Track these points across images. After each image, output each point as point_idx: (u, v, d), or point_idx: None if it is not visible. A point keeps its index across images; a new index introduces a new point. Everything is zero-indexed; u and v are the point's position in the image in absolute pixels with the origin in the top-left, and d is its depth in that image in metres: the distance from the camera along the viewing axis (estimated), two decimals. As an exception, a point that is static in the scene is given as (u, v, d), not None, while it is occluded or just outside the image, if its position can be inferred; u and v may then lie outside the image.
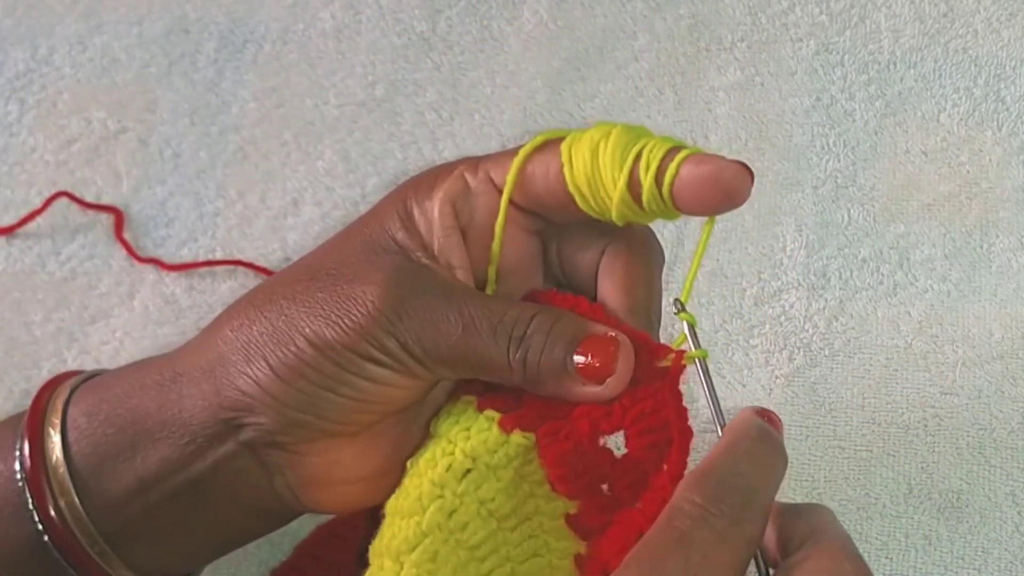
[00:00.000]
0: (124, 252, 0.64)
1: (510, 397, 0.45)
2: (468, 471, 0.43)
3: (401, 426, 0.47)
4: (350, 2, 0.71)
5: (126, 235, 0.64)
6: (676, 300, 0.44)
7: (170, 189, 0.66)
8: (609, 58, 0.68)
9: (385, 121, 0.67)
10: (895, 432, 0.57)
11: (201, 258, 0.63)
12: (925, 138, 0.65)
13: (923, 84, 0.66)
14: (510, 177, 0.45)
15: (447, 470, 0.43)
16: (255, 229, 0.64)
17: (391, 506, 0.44)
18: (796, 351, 0.59)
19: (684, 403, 0.43)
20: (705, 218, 0.44)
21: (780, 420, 0.43)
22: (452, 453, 0.44)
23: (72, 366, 0.60)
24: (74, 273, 0.64)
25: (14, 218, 0.65)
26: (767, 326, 0.60)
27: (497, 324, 0.44)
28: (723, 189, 0.42)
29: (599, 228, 0.46)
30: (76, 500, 0.45)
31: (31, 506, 0.45)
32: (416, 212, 0.46)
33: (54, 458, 0.46)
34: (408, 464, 0.45)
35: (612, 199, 0.43)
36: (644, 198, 0.43)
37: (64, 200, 0.65)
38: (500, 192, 0.46)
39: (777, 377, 0.59)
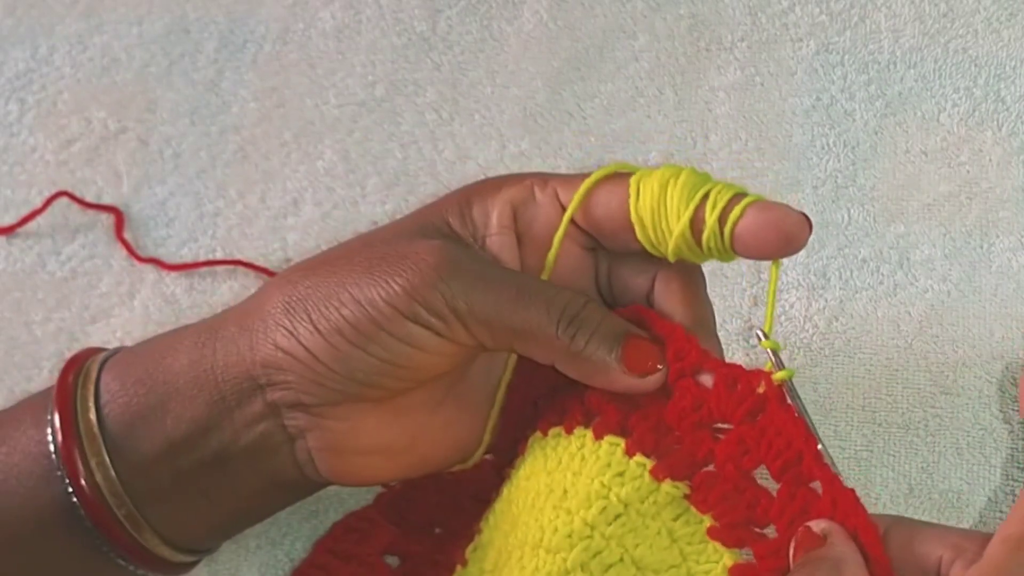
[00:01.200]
0: (124, 252, 0.64)
1: (649, 438, 0.46)
2: (619, 516, 0.45)
3: (424, 406, 0.48)
4: (350, 2, 0.71)
5: (126, 235, 0.64)
6: (759, 330, 0.46)
7: (170, 189, 0.66)
8: (609, 58, 0.68)
9: (385, 121, 0.67)
10: (895, 432, 0.57)
11: (201, 258, 0.64)
12: (925, 138, 0.65)
13: (923, 84, 0.66)
14: (577, 194, 0.47)
15: (601, 512, 0.44)
16: (255, 229, 0.64)
17: (523, 537, 0.45)
18: (796, 351, 0.59)
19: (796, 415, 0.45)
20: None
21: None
22: (607, 497, 0.45)
23: (72, 366, 0.60)
24: (74, 273, 0.64)
25: (14, 218, 0.65)
26: (767, 326, 0.60)
27: (552, 298, 0.46)
28: (783, 236, 0.44)
29: (650, 256, 0.48)
30: (107, 459, 0.46)
31: (60, 466, 0.46)
32: (476, 207, 0.48)
33: (87, 421, 0.46)
34: (544, 500, 0.46)
35: (672, 232, 0.46)
36: (705, 235, 0.45)
37: (64, 200, 0.65)
38: (564, 209, 0.48)
39: (777, 377, 0.58)
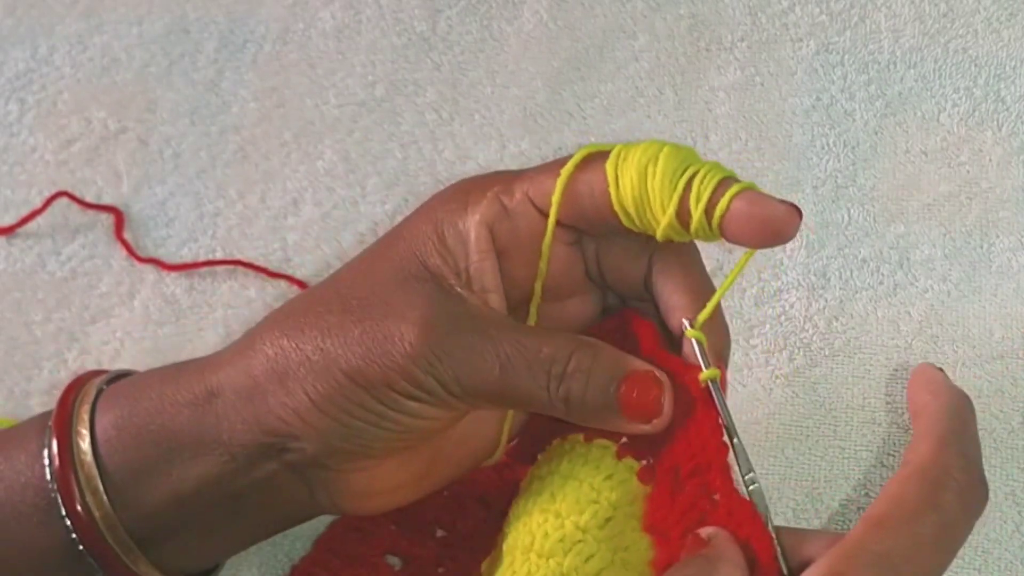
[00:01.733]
0: (124, 252, 0.64)
1: (643, 444, 0.45)
2: (609, 519, 0.44)
3: (441, 435, 0.47)
4: (350, 2, 0.71)
5: (126, 235, 0.64)
6: (686, 318, 0.46)
7: (170, 189, 0.66)
8: (609, 58, 0.68)
9: (385, 121, 0.67)
10: (895, 432, 0.57)
11: (201, 258, 0.63)
12: (925, 138, 0.65)
13: (923, 84, 0.66)
14: (555, 199, 0.46)
15: (592, 517, 0.44)
16: (255, 229, 0.64)
17: (513, 542, 0.45)
18: (796, 351, 0.59)
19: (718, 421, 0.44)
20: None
21: None
22: (597, 501, 0.45)
23: (73, 366, 0.60)
24: (74, 273, 0.64)
25: (14, 218, 0.65)
26: (767, 326, 0.60)
27: (533, 361, 0.44)
28: (772, 229, 0.43)
29: (641, 238, 0.47)
30: (111, 510, 0.45)
31: (64, 514, 0.45)
32: (449, 236, 0.46)
33: (85, 466, 0.46)
34: (531, 504, 0.46)
35: (659, 222, 0.44)
36: (692, 227, 0.44)
37: (64, 200, 0.65)
38: (540, 212, 0.46)
39: (777, 377, 0.59)
